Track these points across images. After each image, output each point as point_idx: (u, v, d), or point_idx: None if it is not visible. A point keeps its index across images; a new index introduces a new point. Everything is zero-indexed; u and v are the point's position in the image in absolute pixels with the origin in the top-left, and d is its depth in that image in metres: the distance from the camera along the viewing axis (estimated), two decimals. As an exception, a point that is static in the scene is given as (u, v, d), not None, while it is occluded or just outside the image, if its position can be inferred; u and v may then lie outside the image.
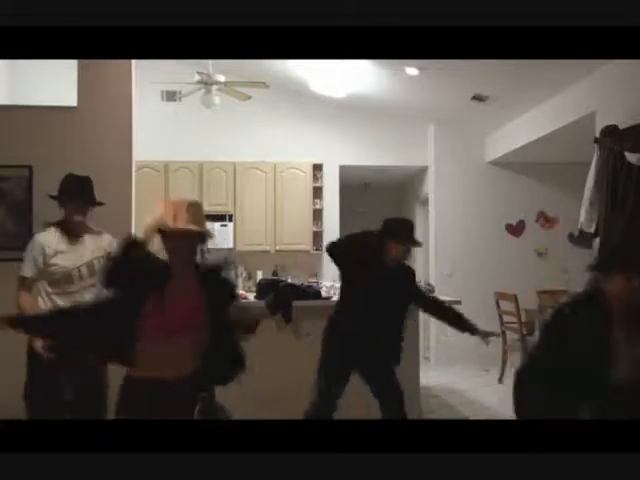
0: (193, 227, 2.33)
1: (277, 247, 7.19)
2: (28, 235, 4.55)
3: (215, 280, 2.45)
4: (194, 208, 2.38)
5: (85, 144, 4.65)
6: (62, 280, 3.24)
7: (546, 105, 5.89)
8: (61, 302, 3.23)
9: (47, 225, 3.38)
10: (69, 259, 3.25)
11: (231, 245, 7.19)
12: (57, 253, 3.24)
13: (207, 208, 7.51)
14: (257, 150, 7.29)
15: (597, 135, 4.61)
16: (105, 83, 4.71)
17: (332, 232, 7.48)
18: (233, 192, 7.27)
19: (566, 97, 5.49)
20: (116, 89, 4.73)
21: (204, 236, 2.43)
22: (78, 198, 3.28)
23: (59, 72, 4.82)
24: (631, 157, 4.21)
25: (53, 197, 3.37)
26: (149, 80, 6.19)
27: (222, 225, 7.18)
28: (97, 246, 3.33)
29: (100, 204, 3.44)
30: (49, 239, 3.27)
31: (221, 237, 7.16)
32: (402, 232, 3.38)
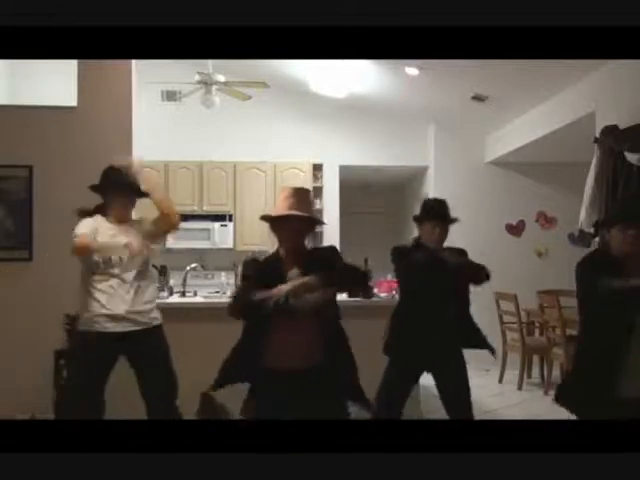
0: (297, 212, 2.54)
1: (277, 247, 7.19)
2: (28, 235, 4.57)
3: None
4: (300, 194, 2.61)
5: (85, 144, 4.65)
6: (104, 263, 3.16)
7: (546, 105, 5.89)
8: (103, 287, 3.17)
9: (82, 213, 3.27)
10: (110, 242, 3.17)
11: (231, 245, 7.20)
12: (99, 233, 3.17)
13: (207, 208, 7.62)
14: (257, 150, 7.28)
15: (597, 135, 4.61)
16: (105, 83, 4.71)
17: (332, 232, 7.47)
18: (233, 192, 7.27)
19: (566, 97, 5.49)
20: (116, 89, 4.72)
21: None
22: (122, 188, 3.21)
23: (59, 72, 4.81)
24: (631, 157, 4.21)
25: (94, 188, 3.27)
26: (149, 80, 6.18)
27: (222, 225, 7.18)
28: (136, 230, 3.26)
29: (146, 195, 3.33)
30: (92, 221, 3.21)
31: (221, 237, 7.17)
32: (423, 212, 3.38)
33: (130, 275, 3.18)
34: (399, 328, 3.39)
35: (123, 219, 3.27)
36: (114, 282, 3.16)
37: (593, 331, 2.51)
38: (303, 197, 2.63)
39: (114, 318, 3.15)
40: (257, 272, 2.66)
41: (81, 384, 3.18)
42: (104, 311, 3.15)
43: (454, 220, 3.39)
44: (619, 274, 2.40)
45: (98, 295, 3.17)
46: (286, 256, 2.63)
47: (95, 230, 3.18)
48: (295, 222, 2.57)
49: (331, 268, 2.58)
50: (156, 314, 3.35)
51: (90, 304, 3.19)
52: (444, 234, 3.35)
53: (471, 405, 3.36)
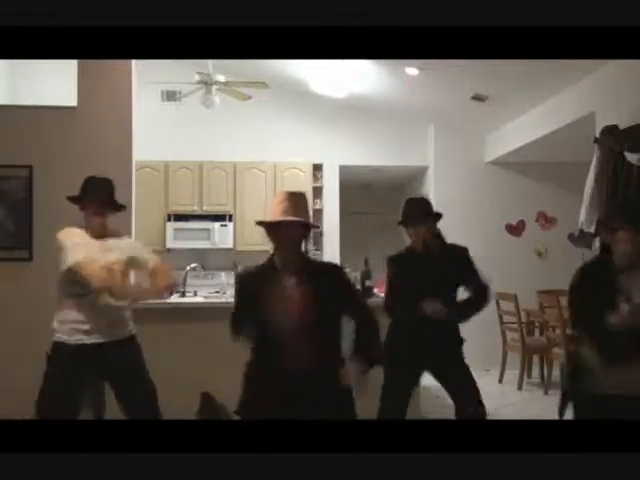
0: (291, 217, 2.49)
1: (277, 247, 7.19)
2: (28, 235, 4.57)
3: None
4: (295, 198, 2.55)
5: (85, 144, 4.65)
6: (80, 279, 3.11)
7: (546, 105, 5.89)
8: (80, 304, 3.12)
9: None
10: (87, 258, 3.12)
11: (231, 245, 7.20)
12: (77, 247, 3.12)
13: (207, 208, 7.61)
14: (257, 150, 7.28)
15: (597, 135, 4.61)
16: (105, 83, 4.70)
17: (332, 232, 7.48)
18: (233, 192, 7.27)
19: (566, 97, 5.49)
20: (116, 89, 4.72)
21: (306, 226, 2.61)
22: (97, 201, 3.17)
23: (59, 72, 4.82)
24: (631, 157, 4.21)
25: (72, 199, 3.25)
26: (149, 80, 6.18)
27: (222, 225, 7.18)
28: (116, 248, 3.22)
29: (122, 208, 3.32)
30: (72, 231, 3.18)
31: (221, 237, 7.18)
32: (403, 215, 3.39)
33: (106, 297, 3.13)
34: (393, 334, 3.39)
35: (100, 233, 3.20)
36: (89, 295, 3.12)
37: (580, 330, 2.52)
38: (298, 201, 2.56)
39: (86, 331, 3.12)
40: (252, 285, 2.61)
41: (53, 394, 3.11)
42: (75, 324, 3.12)
43: (436, 217, 3.39)
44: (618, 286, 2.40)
45: (72, 305, 3.15)
46: (282, 263, 2.58)
47: (79, 247, 3.14)
48: (289, 227, 2.52)
49: (332, 285, 2.56)
50: (130, 325, 3.29)
51: (64, 314, 3.16)
52: (427, 233, 3.35)
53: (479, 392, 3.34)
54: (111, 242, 3.23)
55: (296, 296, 2.51)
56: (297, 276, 2.54)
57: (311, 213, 2.74)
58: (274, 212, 2.56)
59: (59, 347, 3.17)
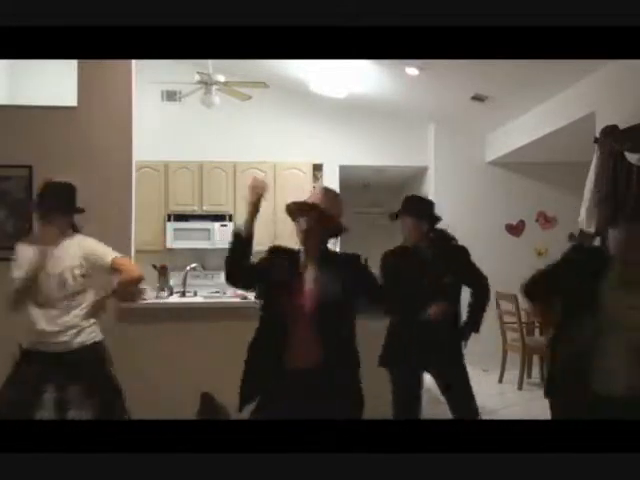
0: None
1: (277, 247, 7.19)
2: (28, 235, 4.57)
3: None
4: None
5: (85, 144, 4.64)
6: (33, 291, 3.10)
7: (546, 105, 5.89)
8: (38, 313, 3.12)
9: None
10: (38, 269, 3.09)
11: (231, 245, 7.20)
12: (27, 261, 3.11)
13: (207, 208, 7.59)
14: (257, 150, 7.28)
15: (597, 135, 4.61)
16: (105, 83, 4.70)
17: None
18: (233, 192, 7.27)
19: (566, 97, 5.48)
20: (116, 89, 4.72)
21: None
22: (44, 210, 3.14)
23: (59, 72, 4.81)
24: (631, 157, 4.21)
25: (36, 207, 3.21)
26: (149, 80, 6.18)
27: (222, 225, 7.17)
28: (66, 255, 3.11)
29: (78, 211, 3.22)
30: (23, 247, 3.19)
31: (221, 237, 7.17)
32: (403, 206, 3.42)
33: (57, 294, 3.09)
34: (390, 335, 3.39)
35: (51, 240, 3.13)
36: (42, 298, 3.10)
37: (570, 326, 2.49)
38: (329, 198, 2.65)
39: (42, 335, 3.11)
40: (278, 257, 2.67)
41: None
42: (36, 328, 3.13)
43: (434, 218, 3.37)
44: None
45: (31, 310, 3.15)
46: (304, 255, 2.64)
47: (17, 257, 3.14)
48: (308, 220, 2.60)
49: (349, 275, 2.55)
50: (84, 335, 3.15)
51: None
52: (413, 229, 3.34)
53: (476, 408, 3.33)
54: (63, 246, 3.13)
55: (312, 287, 2.54)
56: (315, 269, 2.58)
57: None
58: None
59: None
